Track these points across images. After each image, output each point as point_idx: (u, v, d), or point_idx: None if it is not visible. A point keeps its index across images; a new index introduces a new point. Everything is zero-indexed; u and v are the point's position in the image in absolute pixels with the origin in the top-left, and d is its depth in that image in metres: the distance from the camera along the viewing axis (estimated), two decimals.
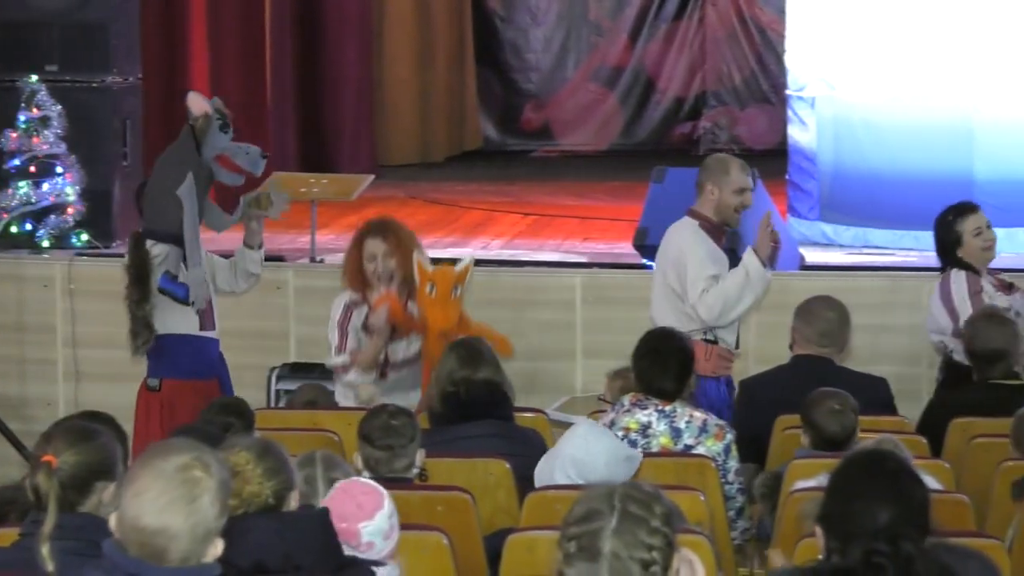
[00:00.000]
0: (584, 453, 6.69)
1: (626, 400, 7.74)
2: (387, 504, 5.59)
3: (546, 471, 6.77)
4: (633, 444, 7.38)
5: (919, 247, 12.51)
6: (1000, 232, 12.59)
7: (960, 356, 9.24)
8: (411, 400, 9.20)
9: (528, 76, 19.16)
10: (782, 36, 14.94)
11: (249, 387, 9.80)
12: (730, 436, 7.71)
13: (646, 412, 7.61)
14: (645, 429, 7.56)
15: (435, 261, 11.71)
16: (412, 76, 18.38)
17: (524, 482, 7.13)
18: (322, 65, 17.06)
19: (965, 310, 9.41)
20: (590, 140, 18.99)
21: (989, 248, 9.74)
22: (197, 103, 9.37)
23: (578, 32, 19.16)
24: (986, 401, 8.34)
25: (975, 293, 9.51)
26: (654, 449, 7.45)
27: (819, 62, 13.54)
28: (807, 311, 8.85)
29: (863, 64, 13.27)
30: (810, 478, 6.63)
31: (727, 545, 7.22)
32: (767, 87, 18.34)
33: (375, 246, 9.53)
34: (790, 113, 13.93)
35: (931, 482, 5.98)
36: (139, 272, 9.24)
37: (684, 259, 9.32)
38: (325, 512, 5.60)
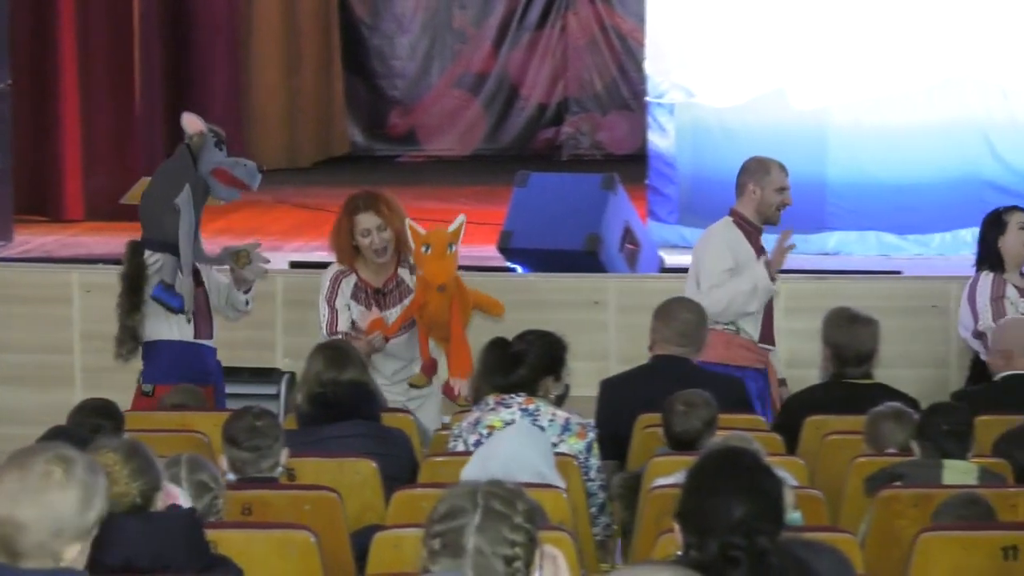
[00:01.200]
0: (519, 452, 6.71)
1: (491, 399, 7.74)
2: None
3: (477, 470, 6.74)
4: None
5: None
6: (851, 235, 12.79)
7: (985, 355, 9.35)
8: (413, 368, 9.46)
9: (394, 83, 19.13)
10: (642, 44, 15.05)
11: (118, 390, 9.74)
12: (592, 434, 7.72)
13: (510, 410, 7.62)
14: (508, 427, 7.57)
15: (302, 265, 11.81)
16: (280, 82, 18.32)
17: (390, 481, 7.15)
18: (191, 71, 16.96)
19: (986, 313, 9.51)
20: (455, 145, 18.99)
21: None
22: (192, 122, 9.39)
23: (443, 40, 19.15)
24: (840, 399, 8.43)
25: (997, 298, 9.59)
26: None
27: (678, 70, 13.63)
28: (666, 312, 8.89)
29: (721, 71, 13.38)
30: (669, 475, 6.67)
31: (589, 541, 7.24)
32: (628, 94, 18.40)
33: (369, 220, 9.41)
34: (650, 119, 14.01)
35: (788, 477, 6.06)
36: (134, 281, 9.26)
37: (703, 249, 9.70)
38: (192, 512, 5.59)
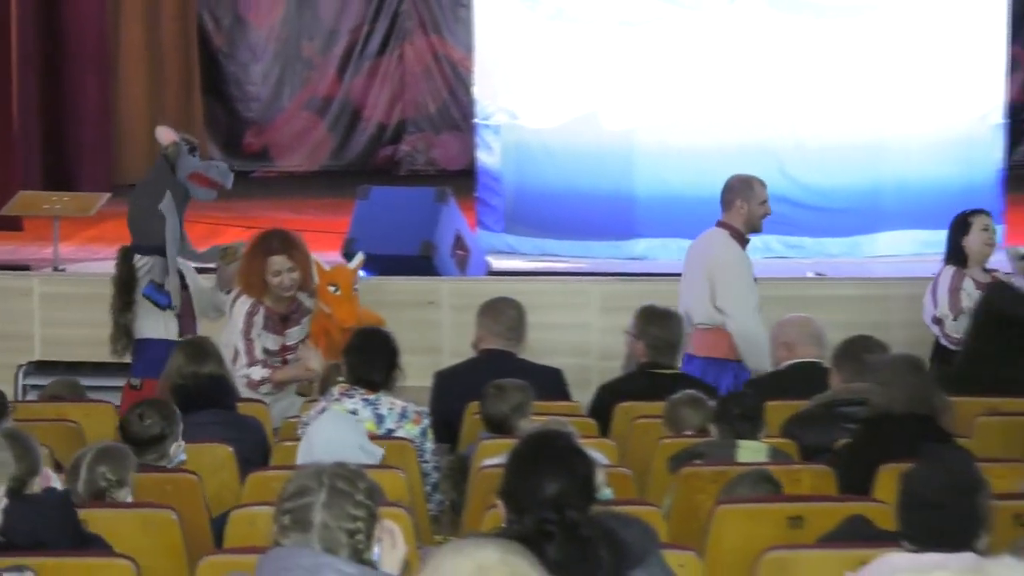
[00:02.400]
0: (326, 440, 6.72)
1: (335, 390, 7.74)
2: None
3: (305, 452, 6.74)
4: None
5: (589, 255, 12.73)
6: (657, 242, 12.88)
7: (944, 341, 9.54)
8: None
9: (249, 105, 19.04)
10: (470, 72, 15.07)
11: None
12: (426, 421, 7.73)
13: (353, 400, 7.61)
14: (352, 415, 7.57)
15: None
16: (145, 104, 18.18)
17: (245, 463, 7.13)
18: (64, 94, 16.82)
19: (943, 302, 9.65)
20: (303, 162, 18.92)
21: (990, 245, 9.86)
22: (166, 134, 9.39)
23: (292, 67, 19.08)
24: (646, 388, 8.48)
25: (954, 289, 9.67)
26: None
27: (503, 95, 13.67)
28: (493, 309, 8.91)
29: (541, 96, 13.42)
30: (493, 457, 6.69)
31: (424, 516, 7.25)
32: (458, 116, 18.41)
33: (281, 263, 9.23)
34: (478, 139, 14.03)
35: (600, 458, 6.10)
36: (125, 284, 9.24)
37: (726, 273, 9.67)
38: (66, 494, 5.55)
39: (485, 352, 8.79)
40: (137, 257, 9.30)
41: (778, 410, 7.78)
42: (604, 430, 8.15)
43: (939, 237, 13.32)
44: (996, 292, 9.33)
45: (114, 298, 9.33)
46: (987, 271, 9.88)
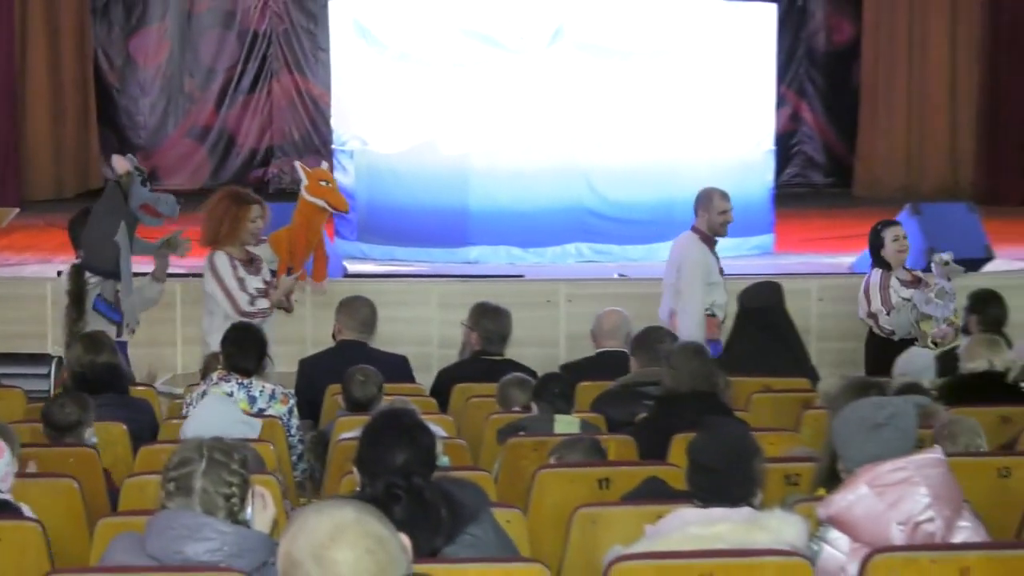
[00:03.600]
0: (212, 417, 6.68)
1: (215, 376, 7.70)
2: (7, 455, 5.47)
3: (193, 428, 6.68)
4: None
5: (430, 260, 12.74)
6: (488, 249, 12.92)
7: (877, 330, 9.75)
8: None
9: (138, 133, 18.84)
10: (328, 105, 15.07)
11: None
12: (292, 401, 7.71)
13: (229, 384, 7.58)
14: (229, 397, 7.53)
15: None
16: (49, 132, 17.96)
17: (136, 439, 7.07)
18: None
19: (875, 298, 9.85)
20: (186, 181, 18.69)
21: (903, 251, 10.06)
22: (120, 163, 9.23)
23: (176, 101, 18.91)
24: (478, 372, 8.52)
25: (884, 287, 9.88)
26: None
27: (356, 125, 13.67)
28: (349, 306, 8.90)
29: (388, 126, 13.43)
30: (350, 431, 6.68)
31: (291, 482, 7.23)
32: (318, 142, 18.33)
33: (257, 211, 9.33)
34: (336, 162, 13.98)
35: (440, 431, 6.11)
36: (77, 297, 9.04)
37: (684, 272, 9.80)
38: None
39: (342, 342, 8.78)
40: (87, 274, 9.13)
41: (588, 390, 7.86)
42: (443, 407, 8.18)
43: (727, 243, 13.56)
44: (745, 291, 9.45)
45: (68, 309, 9.13)
46: (907, 270, 10.05)
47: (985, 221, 12.85)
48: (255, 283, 9.28)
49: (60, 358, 8.61)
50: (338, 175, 13.77)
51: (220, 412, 6.81)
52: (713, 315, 9.73)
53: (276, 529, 4.57)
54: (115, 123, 18.80)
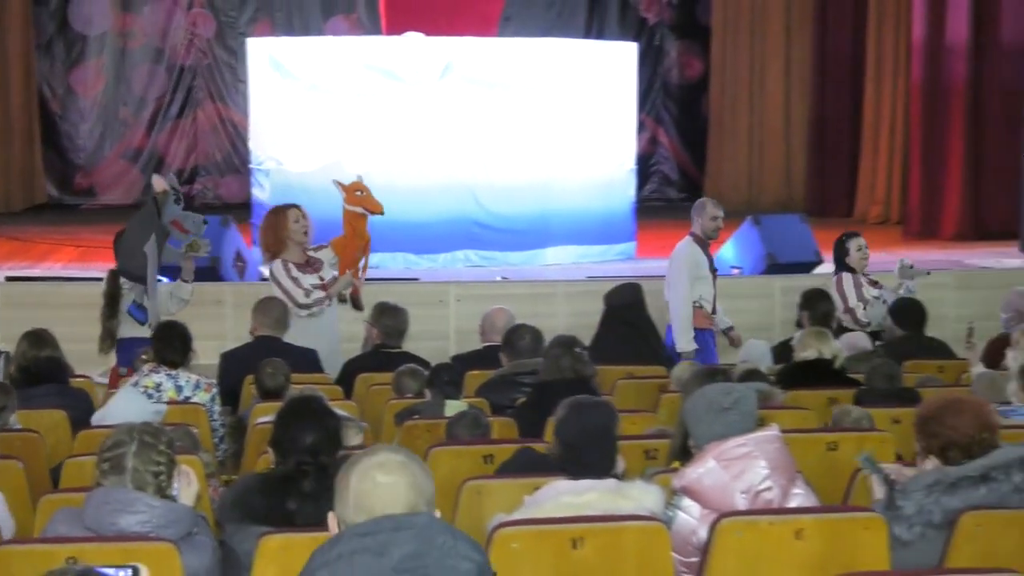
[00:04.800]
0: (129, 408, 6.59)
1: (146, 368, 7.59)
2: None
3: (108, 416, 6.57)
4: (151, 396, 7.26)
5: None
6: (387, 255, 12.85)
7: (852, 324, 9.66)
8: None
9: (78, 155, 18.59)
10: (247, 129, 14.93)
11: None
12: (215, 390, 7.61)
13: (159, 375, 7.47)
14: (158, 386, 7.42)
15: (17, 279, 11.38)
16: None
17: (75, 424, 6.94)
18: None
19: (851, 296, 9.85)
20: (121, 197, 18.50)
21: (865, 259, 10.10)
22: (159, 182, 9.14)
23: (112, 126, 18.69)
24: (379, 363, 8.46)
25: (858, 285, 9.91)
26: (165, 400, 7.33)
27: (271, 147, 13.59)
28: (264, 306, 8.78)
29: (299, 147, 13.37)
30: (265, 416, 6.59)
31: (214, 461, 7.13)
32: (238, 162, 18.19)
33: (296, 214, 9.29)
34: (253, 180, 13.92)
35: (345, 415, 6.06)
36: (112, 298, 8.91)
37: (670, 267, 9.89)
38: None
39: (259, 338, 8.67)
40: (123, 280, 9.02)
41: (475, 378, 7.83)
42: (348, 395, 8.11)
43: (593, 250, 13.68)
44: (610, 291, 9.47)
45: (104, 308, 9.02)
46: (865, 275, 10.14)
47: (815, 230, 13.00)
48: (310, 280, 9.26)
49: (7, 353, 8.44)
50: (255, 191, 13.70)
51: (131, 403, 6.72)
52: (701, 307, 9.80)
53: (199, 503, 4.51)
54: (57, 145, 18.57)
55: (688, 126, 20.26)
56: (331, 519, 3.41)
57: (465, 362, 8.30)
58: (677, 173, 20.38)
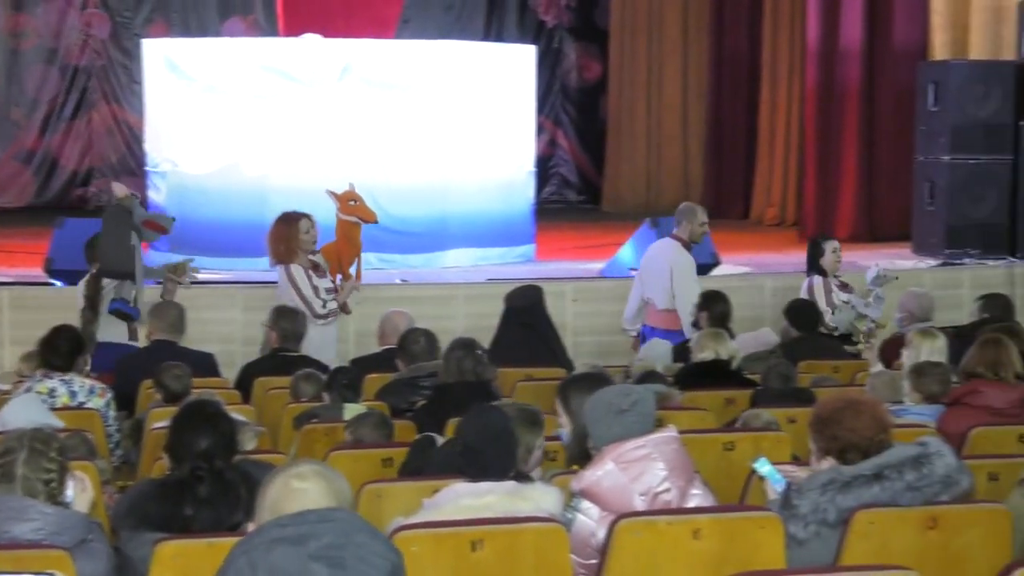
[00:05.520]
0: (23, 414, 6.49)
1: (38, 373, 7.48)
2: None
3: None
4: (44, 402, 7.14)
5: (234, 268, 12.53)
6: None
7: (823, 328, 9.77)
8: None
9: None
10: (142, 131, 14.77)
11: None
12: (110, 394, 7.51)
13: (52, 381, 7.37)
14: (52, 392, 7.32)
15: None
16: None
17: None
18: None
19: (820, 300, 10.08)
20: (13, 199, 18.24)
21: (839, 262, 10.39)
22: (120, 188, 9.29)
23: (4, 127, 18.40)
24: (277, 367, 8.39)
25: (827, 291, 10.16)
26: (59, 406, 7.22)
27: (167, 148, 13.47)
28: (160, 309, 8.70)
29: (196, 149, 13.25)
30: (161, 421, 6.52)
31: (110, 467, 7.04)
32: (134, 164, 17.97)
33: (306, 223, 9.61)
34: (149, 182, 13.77)
35: (242, 419, 6.01)
36: (92, 301, 8.95)
37: (682, 275, 10.10)
38: None
39: (155, 342, 8.58)
40: (105, 281, 9.09)
41: (375, 381, 7.81)
42: (246, 399, 8.05)
43: (492, 253, 13.69)
44: (510, 293, 9.47)
45: (84, 311, 9.04)
46: (837, 277, 10.41)
47: (712, 232, 13.10)
48: (325, 284, 9.63)
49: None
50: (151, 193, 13.55)
51: (26, 409, 6.62)
52: (674, 311, 10.06)
53: (94, 508, 4.46)
54: None
55: (587, 128, 20.36)
56: (250, 528, 3.43)
57: (364, 365, 8.27)
58: (576, 175, 20.47)
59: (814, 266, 10.39)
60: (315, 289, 9.51)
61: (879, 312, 10.09)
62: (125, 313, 9.08)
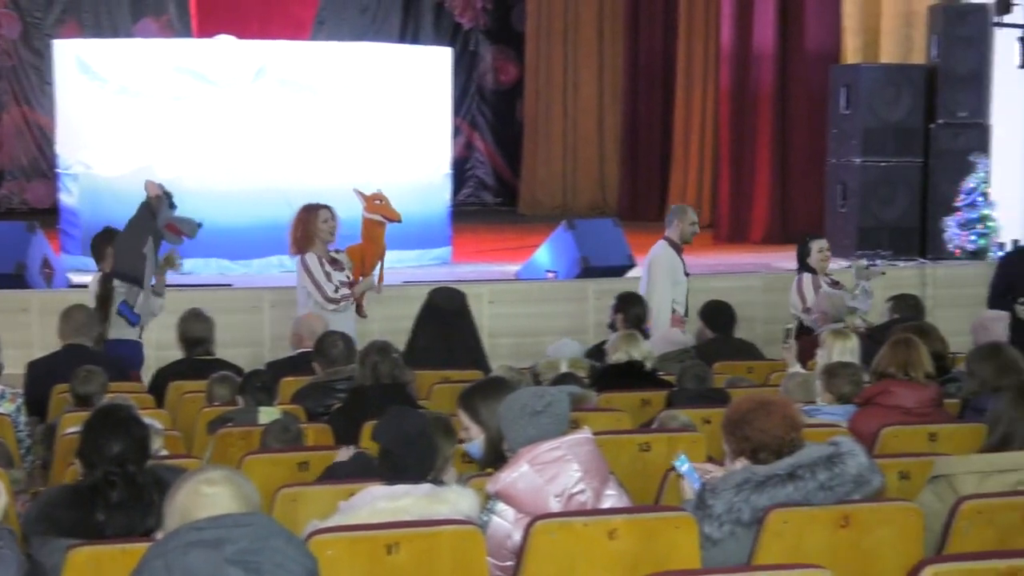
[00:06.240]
0: None
1: None
2: None
3: None
4: None
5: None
6: (200, 261, 12.68)
7: (809, 323, 9.83)
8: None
9: None
10: (54, 133, 14.60)
11: None
12: (20, 400, 7.41)
13: None
14: None
15: None
16: None
17: None
18: None
19: (809, 296, 10.23)
20: None
21: (826, 260, 10.50)
22: (152, 187, 9.18)
23: None
24: (190, 370, 8.33)
25: (817, 287, 10.26)
26: None
27: (80, 151, 13.32)
28: (67, 314, 8.57)
29: (109, 152, 13.13)
30: (74, 426, 6.44)
31: (24, 475, 6.94)
32: (45, 167, 17.80)
33: (326, 213, 9.72)
34: (61, 185, 13.62)
35: (155, 424, 5.95)
36: (104, 300, 8.92)
37: (654, 270, 10.42)
38: None
39: (67, 346, 8.48)
40: (116, 282, 9.02)
41: (290, 384, 7.76)
42: (160, 403, 7.97)
43: (408, 255, 13.66)
44: (430, 294, 9.46)
45: (96, 311, 8.90)
46: (827, 274, 10.57)
47: (628, 234, 13.19)
48: (340, 276, 9.72)
49: None
50: (63, 196, 13.40)
51: None
52: (674, 311, 10.21)
53: (6, 518, 4.39)
54: None
55: (503, 131, 20.40)
56: (159, 536, 3.40)
57: (280, 368, 8.23)
58: (492, 178, 20.50)
59: (803, 265, 10.59)
60: (327, 275, 9.64)
61: (867, 305, 10.26)
62: (126, 316, 9.11)
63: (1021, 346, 8.95)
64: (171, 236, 9.32)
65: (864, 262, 10.88)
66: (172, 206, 9.25)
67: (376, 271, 10.45)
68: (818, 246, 10.62)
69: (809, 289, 10.41)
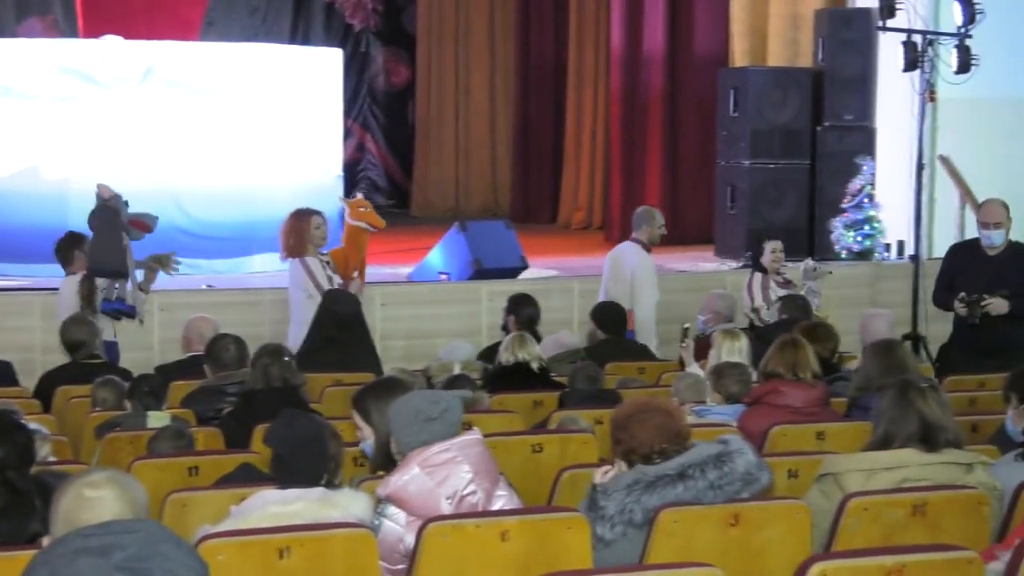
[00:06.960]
0: None
1: None
2: None
3: None
4: None
5: (34, 275, 12.17)
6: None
7: (758, 322, 10.17)
8: None
9: None
10: None
11: None
12: None
13: None
14: None
15: None
16: None
17: None
18: None
19: (758, 296, 10.52)
20: None
21: (778, 261, 10.74)
22: (105, 189, 9.41)
23: None
24: (77, 375, 8.19)
25: (764, 287, 10.54)
26: None
27: None
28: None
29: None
30: None
31: None
32: None
33: (318, 220, 9.99)
34: None
35: (42, 430, 5.86)
36: (89, 299, 8.97)
37: (641, 277, 10.71)
38: None
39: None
40: (98, 280, 9.12)
41: (180, 388, 7.68)
42: (47, 408, 7.84)
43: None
44: (324, 298, 9.40)
45: (82, 312, 8.92)
46: (780, 275, 10.75)
47: (520, 236, 13.22)
48: (337, 278, 10.02)
49: None
50: None
51: None
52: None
53: None
54: None
55: (395, 133, 20.36)
56: (46, 543, 3.34)
57: (169, 372, 8.13)
58: (385, 180, 20.45)
59: (756, 265, 10.79)
60: (329, 279, 9.88)
61: (817, 303, 10.50)
62: (121, 311, 9.21)
63: (962, 342, 9.23)
64: (136, 232, 9.50)
65: (811, 262, 11.17)
66: (127, 204, 9.45)
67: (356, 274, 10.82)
68: (771, 247, 10.85)
69: (757, 289, 10.68)
